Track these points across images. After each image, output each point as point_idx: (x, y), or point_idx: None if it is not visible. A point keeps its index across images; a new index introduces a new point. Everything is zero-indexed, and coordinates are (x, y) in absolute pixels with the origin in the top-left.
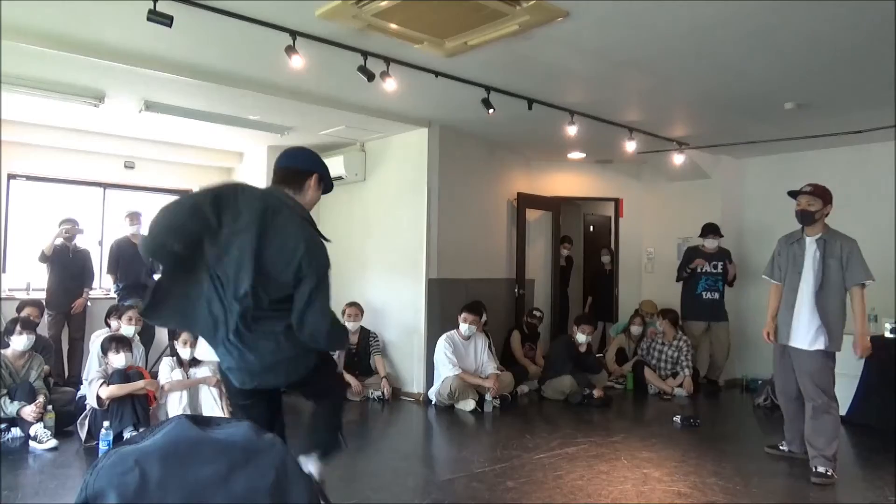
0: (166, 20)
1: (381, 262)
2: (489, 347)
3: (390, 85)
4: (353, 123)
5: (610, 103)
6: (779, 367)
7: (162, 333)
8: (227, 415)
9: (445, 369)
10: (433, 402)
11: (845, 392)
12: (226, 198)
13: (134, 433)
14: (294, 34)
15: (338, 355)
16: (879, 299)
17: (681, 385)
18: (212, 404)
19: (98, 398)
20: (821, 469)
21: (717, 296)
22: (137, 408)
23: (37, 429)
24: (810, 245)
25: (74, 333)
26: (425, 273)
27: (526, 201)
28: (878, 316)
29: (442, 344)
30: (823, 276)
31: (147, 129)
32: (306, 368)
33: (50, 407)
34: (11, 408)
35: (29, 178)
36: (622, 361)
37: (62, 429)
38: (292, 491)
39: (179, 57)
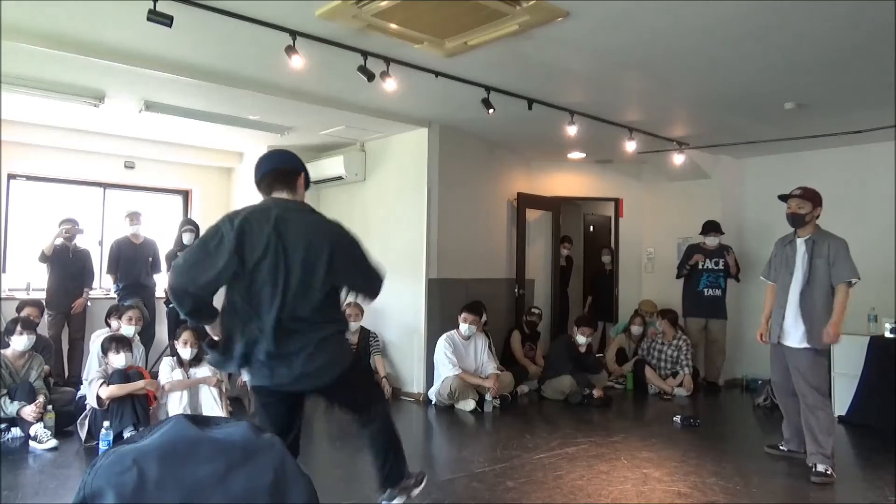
0: (166, 20)
1: (381, 262)
2: (489, 347)
3: (390, 85)
4: (353, 123)
5: (610, 103)
6: (775, 366)
7: (162, 333)
8: (227, 414)
9: (445, 369)
10: (433, 402)
11: (845, 392)
12: (244, 234)
13: (134, 433)
14: (294, 34)
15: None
16: (879, 299)
17: (681, 384)
18: (212, 404)
19: (98, 398)
20: (820, 468)
21: (718, 292)
22: (137, 408)
23: (37, 429)
24: (801, 246)
25: (74, 333)
26: (425, 273)
27: (526, 201)
28: (879, 316)
29: (442, 344)
30: (810, 276)
31: (147, 129)
32: (338, 372)
33: (50, 407)
34: (11, 408)
35: (29, 178)
36: (622, 361)
37: (62, 429)
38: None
39: (179, 57)
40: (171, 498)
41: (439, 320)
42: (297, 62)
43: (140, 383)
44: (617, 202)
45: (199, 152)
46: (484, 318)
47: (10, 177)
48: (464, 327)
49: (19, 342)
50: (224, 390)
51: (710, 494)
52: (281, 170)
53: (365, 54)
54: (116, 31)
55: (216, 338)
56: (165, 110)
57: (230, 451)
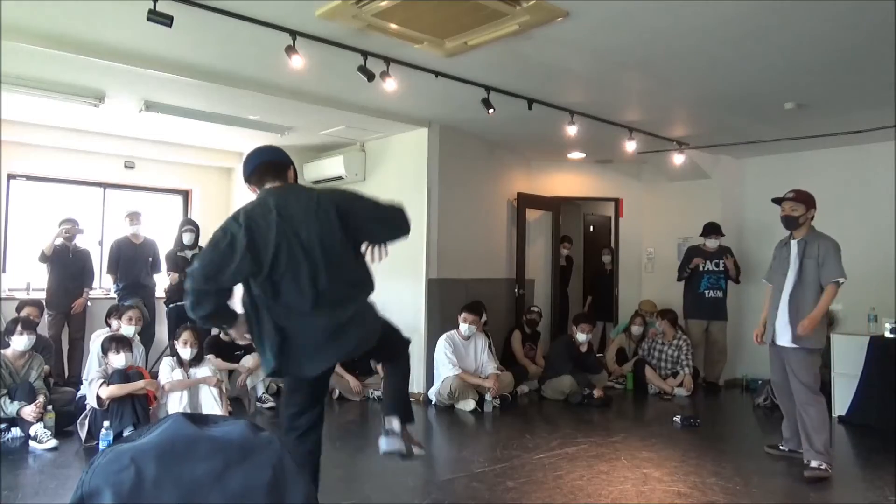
0: (166, 20)
1: (381, 262)
2: (489, 347)
3: (390, 85)
4: (353, 123)
5: (610, 103)
6: (774, 366)
7: (162, 333)
8: (226, 414)
9: (445, 369)
10: (433, 402)
11: (845, 392)
12: (252, 230)
13: (132, 432)
14: (294, 34)
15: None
16: (879, 299)
17: (681, 384)
18: (212, 404)
19: (98, 398)
20: (814, 463)
21: (720, 294)
22: (137, 408)
23: (37, 429)
24: (794, 247)
25: (74, 333)
26: (425, 273)
27: (526, 201)
28: (879, 316)
29: (442, 344)
30: (800, 276)
31: (147, 129)
32: (375, 339)
33: (50, 407)
34: (11, 408)
35: (29, 178)
36: (622, 361)
37: (62, 429)
38: (289, 490)
39: (179, 57)
40: (169, 496)
41: (439, 320)
42: (297, 62)
43: (140, 383)
44: (617, 202)
45: (199, 152)
46: (484, 318)
47: (10, 177)
48: (464, 327)
49: (19, 342)
50: (224, 390)
51: (710, 494)
52: (272, 162)
53: (365, 54)
54: (116, 31)
55: (241, 341)
56: (165, 110)
57: (228, 449)
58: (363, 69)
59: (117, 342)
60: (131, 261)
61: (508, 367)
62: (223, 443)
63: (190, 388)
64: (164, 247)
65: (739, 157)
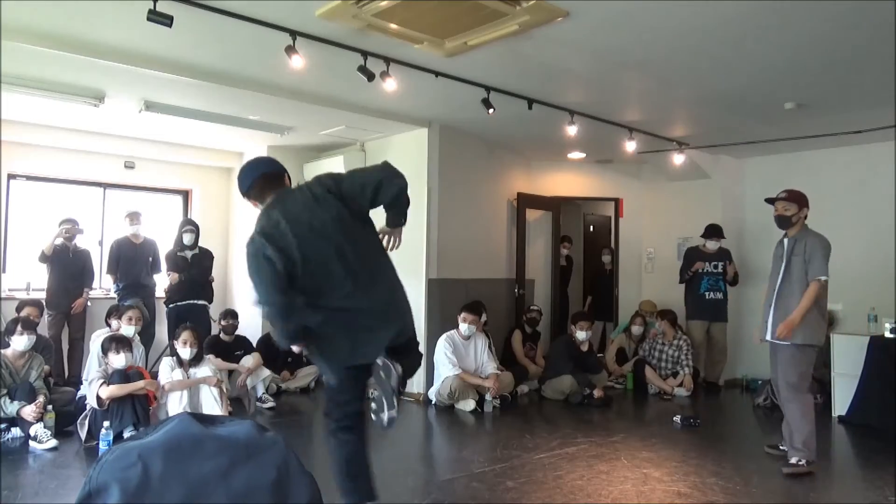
0: (166, 20)
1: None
2: (489, 347)
3: (390, 85)
4: (353, 123)
5: (610, 103)
6: (772, 364)
7: (162, 333)
8: (227, 414)
9: (445, 369)
10: (433, 402)
11: (845, 392)
12: (276, 241)
13: (134, 433)
14: (294, 34)
15: None
16: (879, 299)
17: (681, 384)
18: (212, 404)
19: (98, 398)
20: (793, 460)
21: (720, 295)
22: (137, 408)
23: (37, 429)
24: (786, 245)
25: (74, 333)
26: (425, 273)
27: (526, 201)
28: (879, 316)
29: (442, 344)
30: (787, 273)
31: (147, 129)
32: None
33: (50, 407)
34: (11, 408)
35: (29, 178)
36: (622, 361)
37: (62, 429)
38: (293, 489)
39: (179, 57)
40: (175, 493)
41: (439, 320)
42: (297, 62)
43: (140, 383)
44: (617, 202)
45: (199, 152)
46: (484, 318)
47: (10, 177)
48: (463, 327)
49: (19, 342)
50: (224, 390)
51: (710, 494)
52: (268, 175)
53: (365, 54)
54: (116, 31)
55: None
56: (165, 110)
57: (233, 448)
58: (363, 69)
59: (117, 342)
60: (131, 261)
61: (508, 367)
62: (229, 442)
63: (190, 388)
64: (164, 247)
65: (739, 157)
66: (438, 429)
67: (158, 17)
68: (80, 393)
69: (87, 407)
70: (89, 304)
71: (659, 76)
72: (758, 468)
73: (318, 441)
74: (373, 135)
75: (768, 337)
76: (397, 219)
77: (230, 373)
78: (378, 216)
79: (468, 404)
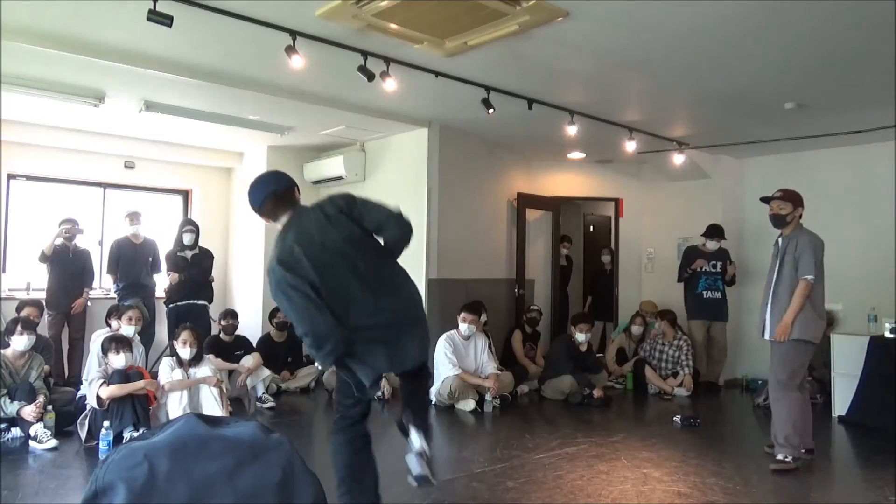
0: (166, 20)
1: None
2: (489, 347)
3: (390, 85)
4: (353, 123)
5: (610, 103)
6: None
7: (162, 333)
8: (227, 414)
9: (445, 369)
10: (433, 402)
11: (845, 392)
12: (294, 269)
13: (134, 433)
14: (294, 34)
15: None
16: (879, 299)
17: (681, 384)
18: (212, 404)
19: (98, 398)
20: (779, 456)
21: (718, 295)
22: (137, 408)
23: (37, 429)
24: (781, 244)
25: (74, 333)
26: (425, 273)
27: (526, 201)
28: (879, 316)
29: (442, 344)
30: (780, 272)
31: (147, 129)
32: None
33: (50, 407)
34: (11, 408)
35: (29, 178)
36: (622, 361)
37: (62, 429)
38: (298, 490)
39: (179, 57)
40: (181, 493)
41: (439, 320)
42: (297, 62)
43: (140, 383)
44: (617, 202)
45: (199, 152)
46: (484, 318)
47: (10, 177)
48: (463, 327)
49: (19, 342)
50: (225, 391)
51: (710, 494)
52: (278, 192)
53: (365, 54)
54: (116, 31)
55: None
56: (165, 110)
57: (239, 448)
58: (363, 69)
59: (117, 342)
60: (131, 261)
61: (508, 367)
62: (235, 442)
63: (190, 388)
64: (164, 247)
65: (739, 157)
66: (438, 429)
67: (158, 17)
68: (80, 393)
69: (87, 407)
70: (89, 304)
71: (659, 76)
72: (758, 468)
73: (319, 441)
74: (373, 135)
75: (766, 336)
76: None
77: (230, 373)
78: None
79: (468, 404)
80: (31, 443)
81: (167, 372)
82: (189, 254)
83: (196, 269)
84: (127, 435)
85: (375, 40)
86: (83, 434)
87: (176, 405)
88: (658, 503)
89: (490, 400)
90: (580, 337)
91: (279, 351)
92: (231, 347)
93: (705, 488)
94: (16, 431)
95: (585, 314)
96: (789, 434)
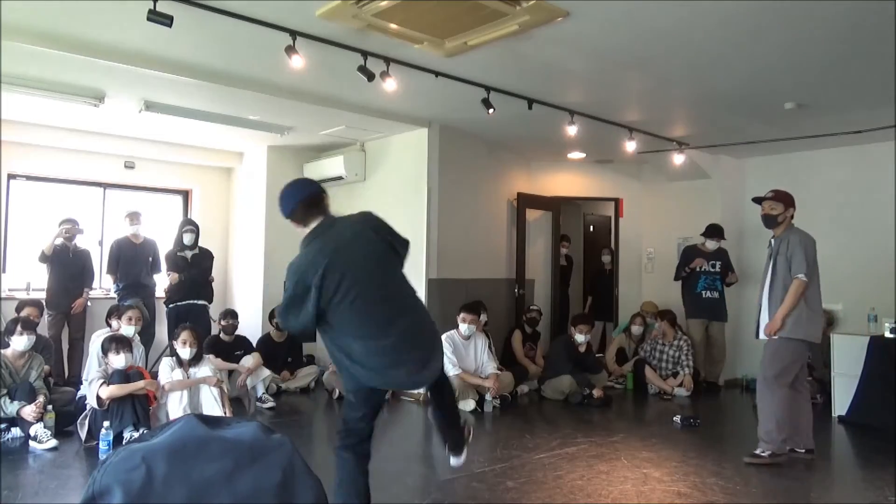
0: (166, 20)
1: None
2: (489, 347)
3: (390, 85)
4: (353, 123)
5: (610, 103)
6: None
7: (162, 333)
8: (230, 414)
9: (445, 369)
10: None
11: (845, 392)
12: (316, 268)
13: (134, 433)
14: (294, 34)
15: None
16: (879, 299)
17: (681, 384)
18: (212, 404)
19: (98, 398)
20: (757, 450)
21: (716, 294)
22: (137, 408)
23: (37, 429)
24: (774, 244)
25: (74, 333)
26: (425, 273)
27: (526, 201)
28: (879, 316)
29: (442, 344)
30: (773, 272)
31: (147, 129)
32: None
33: (50, 407)
34: (11, 408)
35: (29, 178)
36: (622, 361)
37: (62, 429)
38: (299, 492)
39: (179, 57)
40: (178, 495)
41: (439, 320)
42: (297, 62)
43: (140, 383)
44: (617, 202)
45: (199, 152)
46: (484, 318)
47: (10, 177)
48: (463, 327)
49: (19, 342)
50: (225, 391)
51: (710, 494)
52: (308, 198)
53: (365, 54)
54: (116, 31)
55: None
56: (165, 110)
57: (239, 450)
58: (363, 69)
59: (117, 342)
60: (131, 261)
61: (508, 367)
62: (234, 444)
63: (190, 388)
64: (164, 247)
65: (739, 157)
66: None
67: (158, 17)
68: (80, 393)
69: (87, 407)
70: (89, 304)
71: (659, 76)
72: (758, 468)
73: (319, 441)
74: (373, 135)
75: (761, 335)
76: None
77: (230, 373)
78: None
79: (468, 404)
80: (31, 443)
81: (167, 372)
82: (189, 254)
83: (196, 269)
84: (127, 435)
85: (375, 40)
86: (83, 434)
87: (176, 405)
88: (658, 503)
89: (490, 400)
90: (580, 338)
91: (279, 351)
92: (231, 347)
93: (705, 488)
94: (16, 431)
95: (585, 315)
96: (771, 430)
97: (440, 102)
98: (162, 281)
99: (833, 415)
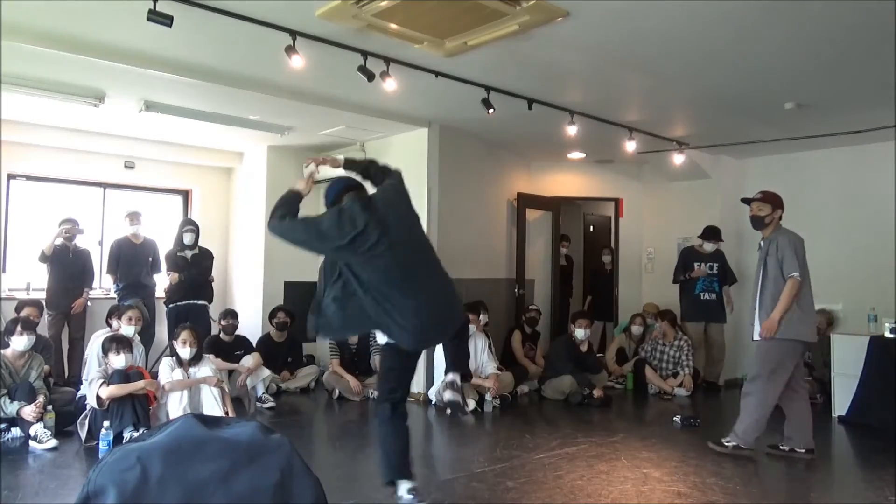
0: (166, 20)
1: None
2: (489, 347)
3: (390, 85)
4: (353, 123)
5: (610, 103)
6: None
7: (162, 333)
8: (231, 413)
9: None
10: (433, 402)
11: (845, 392)
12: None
13: (134, 433)
14: (294, 34)
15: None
16: (879, 299)
17: (681, 384)
18: (212, 404)
19: (98, 398)
20: (724, 440)
21: (713, 296)
22: (137, 408)
23: (37, 429)
24: (763, 246)
25: (74, 333)
26: None
27: (526, 201)
28: (879, 316)
29: (442, 343)
30: (764, 274)
31: (147, 129)
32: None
33: (50, 407)
34: (11, 408)
35: (29, 178)
36: (622, 361)
37: (62, 429)
38: (298, 492)
39: (179, 57)
40: (172, 496)
41: None
42: (297, 62)
43: (140, 383)
44: (617, 202)
45: (199, 152)
46: (484, 318)
47: (10, 177)
48: None
49: (19, 342)
50: (226, 390)
51: (710, 494)
52: (353, 186)
53: (365, 54)
54: (116, 31)
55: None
56: (165, 110)
57: (236, 451)
58: (363, 69)
59: (117, 342)
60: (131, 261)
61: (508, 367)
62: (231, 444)
63: (190, 388)
64: (164, 247)
65: (739, 157)
66: (438, 429)
67: (158, 17)
68: (80, 393)
69: (87, 407)
70: (89, 304)
71: (659, 76)
72: (758, 468)
73: (319, 441)
74: (373, 135)
75: (755, 337)
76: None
77: (230, 373)
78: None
79: (468, 404)
80: (31, 443)
81: (167, 372)
82: (189, 254)
83: (196, 268)
84: (127, 435)
85: (375, 40)
86: (83, 434)
87: (176, 405)
88: (658, 503)
89: (490, 400)
90: (579, 333)
91: (279, 351)
92: (231, 347)
93: (705, 488)
94: (16, 431)
95: (585, 311)
96: (747, 427)
97: (440, 102)
98: (162, 281)
99: (833, 415)
